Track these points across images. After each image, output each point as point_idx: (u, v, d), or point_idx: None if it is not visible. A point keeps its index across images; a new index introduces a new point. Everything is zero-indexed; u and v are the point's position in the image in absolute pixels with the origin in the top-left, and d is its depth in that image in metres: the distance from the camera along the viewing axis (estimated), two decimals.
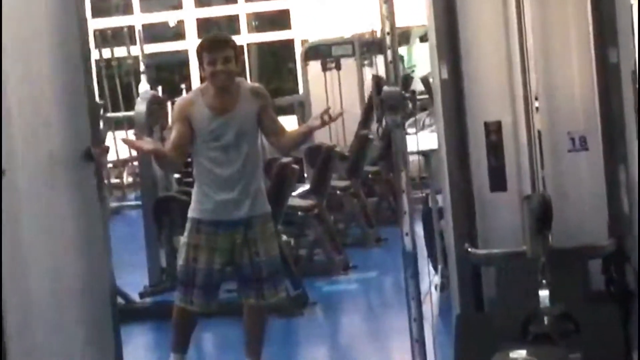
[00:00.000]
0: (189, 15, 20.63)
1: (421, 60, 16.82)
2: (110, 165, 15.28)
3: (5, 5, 3.79)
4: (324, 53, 14.43)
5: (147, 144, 6.61)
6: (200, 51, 6.38)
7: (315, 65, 14.53)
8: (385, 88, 6.40)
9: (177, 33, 21.03)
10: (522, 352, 4.87)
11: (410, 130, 10.12)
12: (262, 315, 6.68)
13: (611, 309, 5.68)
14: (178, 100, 6.84)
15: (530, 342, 5.28)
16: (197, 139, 6.34)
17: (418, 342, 6.34)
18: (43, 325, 3.97)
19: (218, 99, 6.34)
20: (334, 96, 14.00)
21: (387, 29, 6.37)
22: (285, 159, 9.16)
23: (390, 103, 6.32)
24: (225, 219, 6.34)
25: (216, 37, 6.79)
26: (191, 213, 6.48)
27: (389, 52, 6.43)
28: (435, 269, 8.35)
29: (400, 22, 12.41)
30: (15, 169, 3.67)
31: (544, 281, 5.49)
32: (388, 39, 6.37)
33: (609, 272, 5.86)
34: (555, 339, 5.31)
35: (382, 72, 12.66)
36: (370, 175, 12.56)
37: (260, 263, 6.41)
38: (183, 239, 6.51)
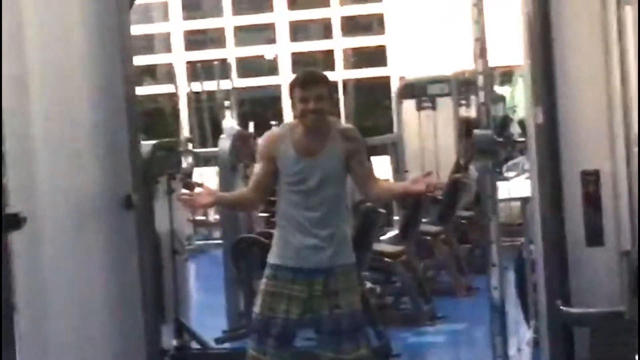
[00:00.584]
0: (284, 49, 20.68)
1: (523, 101, 16.68)
2: None
3: (44, 37, 3.60)
4: (419, 91, 14.35)
5: (204, 197, 6.17)
6: (292, 87, 6.08)
7: (410, 104, 14.48)
8: (476, 131, 6.33)
9: (272, 67, 21.05)
10: None
11: (510, 174, 10.00)
12: None
13: None
14: (264, 136, 6.31)
15: None
16: (280, 178, 6.05)
17: None
18: None
19: (306, 140, 6.01)
20: (428, 136, 13.93)
21: (480, 69, 6.31)
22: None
23: (481, 147, 6.25)
24: (305, 266, 6.00)
25: (311, 74, 6.39)
26: (270, 258, 6.15)
27: (481, 93, 6.37)
28: (528, 323, 8.17)
29: (502, 61, 12.19)
30: (37, 217, 3.42)
31: None
32: (480, 79, 6.32)
33: None
34: None
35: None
36: (463, 221, 12.38)
37: (341, 316, 6.04)
38: (261, 285, 6.20)
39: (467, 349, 9.61)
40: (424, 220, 11.30)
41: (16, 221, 2.98)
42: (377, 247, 9.66)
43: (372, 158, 14.61)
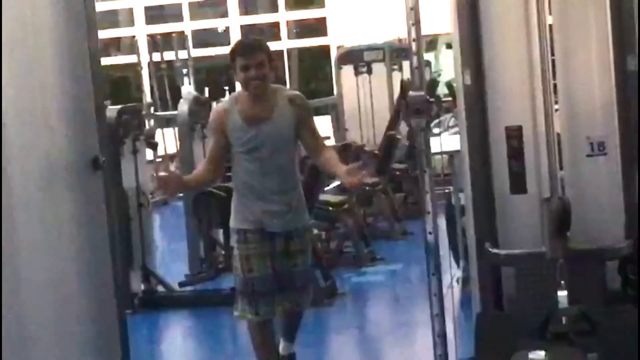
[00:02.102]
0: (234, 22, 20.62)
1: (447, 65, 16.83)
2: (159, 159, 15.19)
3: (9, 8, 3.44)
4: (356, 58, 14.34)
5: (173, 185, 5.84)
6: (233, 56, 5.70)
7: (348, 70, 14.49)
8: (411, 92, 6.32)
9: (224, 39, 20.94)
10: (541, 353, 4.76)
11: (435, 130, 10.00)
12: (298, 314, 6.26)
13: (628, 309, 5.53)
14: (213, 111, 6.19)
15: (548, 341, 5.13)
16: (233, 148, 5.77)
17: (440, 336, 6.18)
18: (41, 337, 3.61)
19: (253, 108, 5.71)
20: (365, 98, 13.92)
21: (413, 36, 6.28)
22: None
23: (415, 107, 6.23)
24: (267, 229, 5.80)
25: (249, 42, 6.09)
26: (235, 224, 5.91)
27: (414, 58, 6.36)
28: (458, 263, 8.18)
29: (428, 30, 12.11)
30: (10, 177, 3.30)
31: (562, 282, 5.39)
32: (414, 46, 6.32)
33: (625, 273, 5.68)
34: (573, 339, 5.17)
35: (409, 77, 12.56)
36: (397, 172, 12.38)
37: (297, 273, 5.96)
38: (234, 252, 5.94)
39: (404, 287, 9.57)
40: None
41: None
42: (322, 197, 9.63)
43: (316, 118, 14.78)
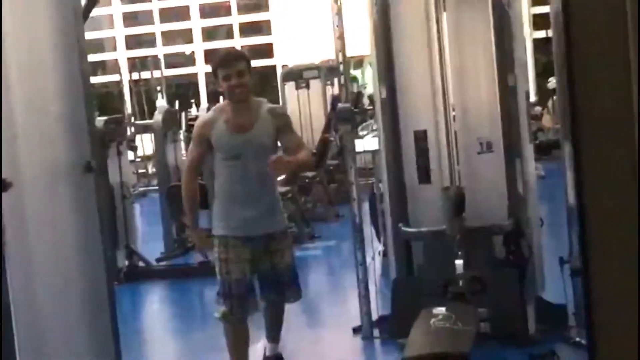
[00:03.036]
0: (198, 47, 20.50)
1: (371, 80, 16.88)
2: (138, 159, 15.12)
3: (18, 40, 3.48)
4: (297, 76, 14.29)
5: (200, 244, 5.53)
6: (215, 67, 5.09)
7: (291, 85, 14.42)
8: (339, 105, 6.41)
9: (190, 60, 20.80)
10: (442, 309, 4.82)
11: (362, 133, 10.06)
12: (281, 308, 5.58)
13: (510, 272, 5.68)
14: (198, 121, 5.43)
15: (448, 300, 5.22)
16: (216, 155, 5.12)
17: (364, 297, 6.27)
18: (48, 303, 3.64)
19: (237, 117, 5.08)
20: (304, 108, 13.92)
21: (340, 59, 6.38)
22: None
23: (343, 116, 6.31)
24: (249, 234, 5.13)
25: (229, 53, 5.42)
26: (216, 230, 5.20)
27: (341, 77, 6.45)
28: (379, 239, 8.25)
29: (356, 52, 12.08)
30: (22, 180, 3.33)
31: (459, 252, 5.51)
32: (341, 67, 6.41)
33: (508, 245, 5.83)
34: (468, 298, 5.28)
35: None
36: (331, 167, 12.37)
37: (280, 270, 5.28)
38: (215, 254, 5.21)
39: (337, 258, 9.64)
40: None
41: (4, 185, 2.91)
42: None
43: None
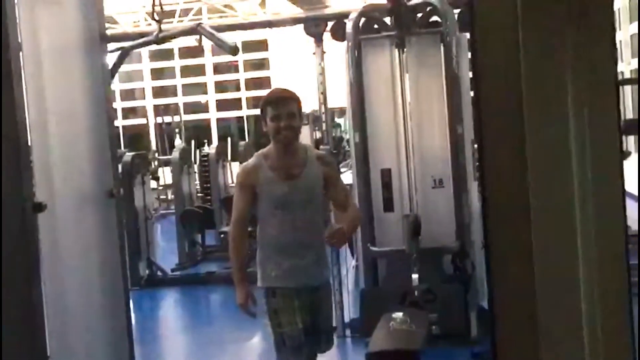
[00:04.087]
0: (211, 97, 20.57)
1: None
2: (160, 187, 15.04)
3: (57, 91, 3.45)
4: None
5: (242, 303, 3.85)
6: (264, 106, 3.84)
7: None
8: (321, 147, 6.37)
9: (205, 108, 20.83)
10: (400, 314, 4.77)
11: (343, 170, 10.02)
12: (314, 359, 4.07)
13: (457, 286, 5.68)
14: (241, 168, 4.03)
15: (406, 307, 5.21)
16: (262, 204, 3.83)
17: (339, 303, 6.21)
18: (77, 306, 3.57)
19: (284, 163, 3.81)
20: None
21: (323, 110, 6.36)
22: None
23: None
24: (298, 285, 3.85)
25: (281, 92, 4.04)
26: (262, 283, 3.89)
27: (324, 125, 6.41)
28: (353, 256, 8.19)
29: (339, 103, 11.99)
30: (55, 204, 3.28)
31: (415, 268, 5.47)
32: (323, 116, 6.37)
33: (455, 262, 5.82)
34: (422, 305, 5.28)
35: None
36: None
37: (322, 320, 4.00)
38: (266, 306, 3.92)
39: None
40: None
41: (40, 207, 2.86)
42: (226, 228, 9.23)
43: None
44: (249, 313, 3.86)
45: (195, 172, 11.66)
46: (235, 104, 21.02)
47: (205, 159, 11.13)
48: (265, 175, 3.80)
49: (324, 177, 3.88)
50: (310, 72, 6.77)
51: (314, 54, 6.36)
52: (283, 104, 3.79)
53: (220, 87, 21.03)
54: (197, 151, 14.07)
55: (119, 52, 7.93)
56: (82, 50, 3.75)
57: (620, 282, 0.77)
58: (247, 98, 20.82)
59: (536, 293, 0.82)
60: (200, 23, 7.95)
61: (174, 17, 15.84)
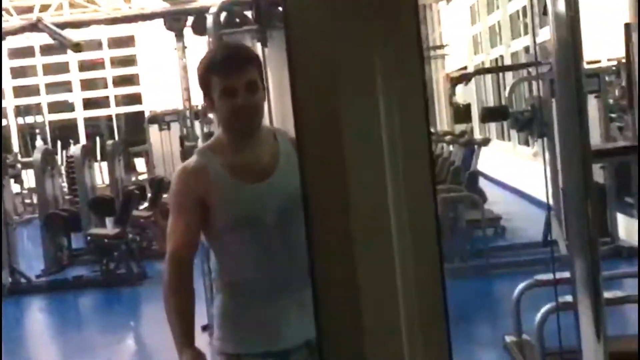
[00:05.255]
0: (77, 96, 19.93)
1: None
2: (25, 191, 14.41)
3: None
4: (160, 120, 13.94)
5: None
6: (206, 75, 2.37)
7: (155, 127, 14.04)
8: (187, 143, 6.26)
9: (71, 108, 20.13)
10: None
11: None
12: None
13: None
14: (178, 174, 2.46)
15: None
16: (216, 223, 2.39)
17: (211, 301, 6.08)
18: None
19: (245, 158, 2.40)
20: (166, 146, 13.59)
21: (187, 107, 6.23)
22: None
23: (189, 152, 6.17)
24: (280, 346, 2.41)
25: (232, 51, 2.51)
26: (226, 345, 2.45)
27: (187, 122, 6.29)
28: None
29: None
30: None
31: None
32: (187, 113, 6.24)
33: None
34: None
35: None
36: (167, 205, 11.14)
37: None
38: None
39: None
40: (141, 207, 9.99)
41: None
42: (98, 231, 8.91)
43: (136, 160, 14.43)
44: None
45: (62, 174, 11.25)
46: (104, 102, 20.46)
47: (72, 159, 10.71)
48: (217, 178, 2.37)
49: None
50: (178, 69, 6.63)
51: (175, 49, 6.24)
52: (237, 70, 2.32)
53: (88, 85, 20.39)
54: (64, 152, 13.60)
55: None
56: None
57: (434, 279, 0.75)
58: (115, 96, 20.30)
59: (359, 293, 0.80)
60: (40, 19, 7.63)
61: (32, 12, 15.18)
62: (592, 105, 7.48)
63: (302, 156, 0.83)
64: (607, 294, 3.11)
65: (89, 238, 9.05)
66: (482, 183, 10.37)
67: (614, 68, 8.91)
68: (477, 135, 11.96)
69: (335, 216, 0.88)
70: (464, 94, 13.72)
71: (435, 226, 0.82)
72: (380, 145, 0.77)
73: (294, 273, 2.33)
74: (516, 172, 11.49)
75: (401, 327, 0.83)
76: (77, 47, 7.45)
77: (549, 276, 3.47)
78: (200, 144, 9.03)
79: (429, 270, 0.81)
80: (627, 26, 4.65)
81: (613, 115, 8.19)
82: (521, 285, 4.55)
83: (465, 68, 14.95)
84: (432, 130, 12.19)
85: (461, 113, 12.29)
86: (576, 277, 1.84)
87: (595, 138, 7.29)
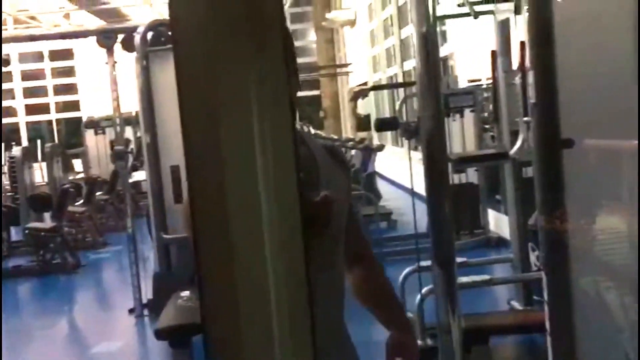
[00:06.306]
0: (20, 102, 19.22)
1: None
2: None
3: None
4: (96, 124, 13.54)
5: None
6: None
7: (91, 132, 13.62)
8: (116, 147, 6.14)
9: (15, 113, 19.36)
10: (187, 292, 4.68)
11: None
12: None
13: None
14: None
15: (193, 286, 4.91)
16: None
17: (137, 287, 6.02)
18: None
19: None
20: (101, 150, 13.17)
21: (117, 114, 6.09)
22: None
23: (118, 155, 6.03)
24: None
25: None
26: None
27: (117, 128, 6.16)
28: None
29: (130, 108, 10.93)
30: None
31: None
32: (117, 120, 6.11)
33: None
34: None
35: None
36: (102, 202, 10.78)
37: None
38: None
39: (115, 270, 8.44)
40: (76, 204, 9.69)
41: None
42: (35, 225, 8.52)
43: (74, 161, 13.93)
44: None
45: (4, 173, 10.90)
46: (45, 108, 19.76)
47: (13, 160, 10.35)
48: None
49: (349, 190, 1.75)
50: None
51: (106, 63, 6.09)
52: None
53: (30, 92, 19.65)
54: (7, 153, 13.05)
55: None
56: None
57: (299, 277, 0.75)
58: (56, 103, 19.66)
59: (237, 293, 0.79)
60: None
61: None
62: (469, 117, 7.67)
63: (188, 155, 0.82)
64: (464, 279, 3.18)
65: (27, 231, 8.72)
66: (380, 183, 10.51)
67: (490, 86, 9.13)
68: (376, 142, 12.11)
69: (216, 212, 0.87)
70: (365, 106, 13.85)
71: (299, 218, 0.82)
72: (253, 148, 0.77)
73: (329, 309, 1.61)
74: (408, 174, 11.63)
75: (272, 314, 0.83)
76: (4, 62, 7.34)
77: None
78: (129, 148, 8.92)
79: (295, 268, 0.81)
80: (493, 52, 4.81)
81: (487, 126, 8.40)
82: (406, 271, 4.63)
83: (366, 84, 15.12)
84: (336, 137, 12.28)
85: (362, 123, 12.43)
86: (435, 266, 1.88)
87: (471, 146, 7.49)
